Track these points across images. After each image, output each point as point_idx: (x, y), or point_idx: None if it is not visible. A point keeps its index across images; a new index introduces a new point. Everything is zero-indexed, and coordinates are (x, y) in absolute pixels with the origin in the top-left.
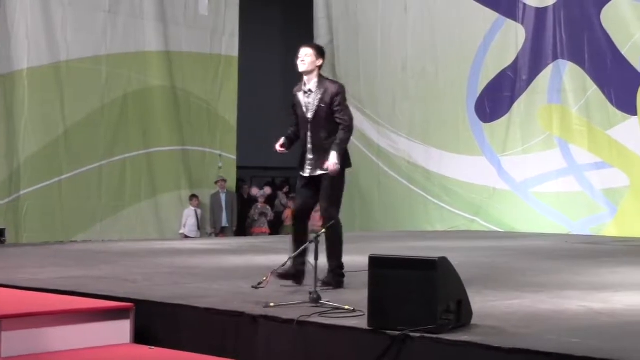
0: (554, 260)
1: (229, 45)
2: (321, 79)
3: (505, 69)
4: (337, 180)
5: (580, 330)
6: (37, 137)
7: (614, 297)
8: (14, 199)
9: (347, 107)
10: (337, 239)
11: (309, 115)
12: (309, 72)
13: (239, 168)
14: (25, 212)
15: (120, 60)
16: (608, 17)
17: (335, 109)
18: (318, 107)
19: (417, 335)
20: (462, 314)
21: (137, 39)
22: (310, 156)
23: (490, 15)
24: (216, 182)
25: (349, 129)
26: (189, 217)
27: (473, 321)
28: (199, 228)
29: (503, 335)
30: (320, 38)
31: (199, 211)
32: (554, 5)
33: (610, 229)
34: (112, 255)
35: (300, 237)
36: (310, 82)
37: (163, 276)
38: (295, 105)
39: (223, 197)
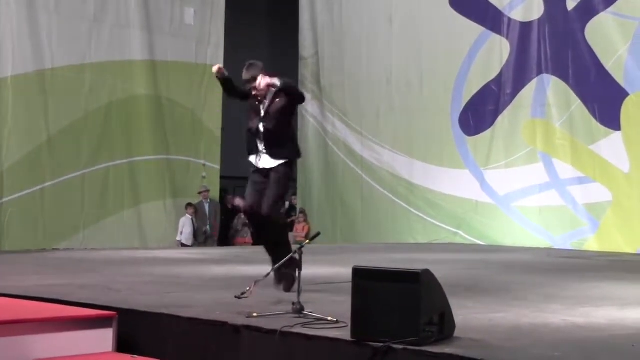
0: (536, 274)
1: (215, 55)
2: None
3: (490, 82)
4: (283, 176)
5: (562, 344)
6: (20, 145)
7: (596, 312)
8: None
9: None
10: (284, 238)
11: (262, 109)
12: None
13: (222, 178)
14: (7, 220)
15: (105, 69)
16: (592, 33)
17: (290, 95)
18: (267, 110)
19: (400, 347)
20: (444, 326)
21: (123, 48)
22: (260, 147)
23: (475, 28)
24: (199, 193)
25: (298, 91)
26: (185, 226)
27: (456, 334)
28: (194, 236)
29: (485, 348)
30: (306, 49)
31: (194, 219)
32: (539, 20)
33: (592, 244)
34: (95, 263)
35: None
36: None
37: (146, 285)
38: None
39: (206, 207)
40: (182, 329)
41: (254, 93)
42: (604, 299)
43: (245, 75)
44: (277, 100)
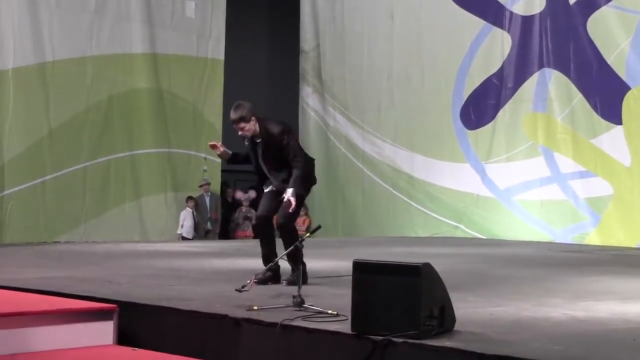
0: (537, 268)
1: (215, 48)
2: (261, 123)
3: (491, 76)
4: (298, 195)
5: (562, 337)
6: (21, 138)
7: (597, 306)
8: None
9: (294, 145)
10: (294, 237)
11: (261, 161)
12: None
13: (223, 171)
14: (8, 213)
15: (106, 62)
16: (594, 26)
17: (284, 150)
18: (264, 153)
19: (400, 340)
20: (445, 320)
21: (124, 41)
22: (274, 183)
23: (476, 22)
24: (200, 186)
25: (301, 165)
26: (185, 219)
27: (456, 327)
28: (195, 229)
29: (485, 342)
30: (307, 43)
31: (195, 213)
32: (540, 13)
33: (593, 238)
34: (95, 256)
35: (268, 240)
36: (247, 134)
37: (147, 278)
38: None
39: (207, 200)
40: (183, 322)
41: (240, 134)
42: (605, 293)
43: (233, 115)
44: (271, 150)
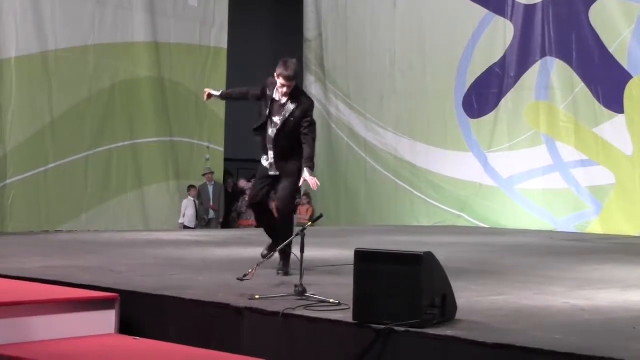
0: (539, 257)
1: (218, 37)
2: (296, 90)
3: (493, 65)
4: (296, 181)
5: (564, 326)
6: (24, 127)
7: (598, 295)
8: None
9: (314, 123)
10: (290, 230)
11: (277, 120)
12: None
13: (226, 160)
14: (11, 202)
15: (109, 51)
16: (596, 15)
17: (304, 124)
18: (287, 119)
19: (402, 329)
20: (446, 308)
21: (126, 30)
22: (272, 156)
23: (479, 11)
24: (204, 175)
25: (313, 142)
26: (187, 208)
27: (457, 316)
28: (197, 218)
29: (487, 331)
30: (309, 31)
31: (197, 201)
32: (543, 2)
33: (595, 227)
34: (97, 245)
35: (267, 223)
36: (287, 94)
37: (148, 267)
38: (264, 95)
39: (210, 189)
40: (185, 311)
41: (284, 91)
42: (606, 282)
43: (288, 71)
44: (292, 119)
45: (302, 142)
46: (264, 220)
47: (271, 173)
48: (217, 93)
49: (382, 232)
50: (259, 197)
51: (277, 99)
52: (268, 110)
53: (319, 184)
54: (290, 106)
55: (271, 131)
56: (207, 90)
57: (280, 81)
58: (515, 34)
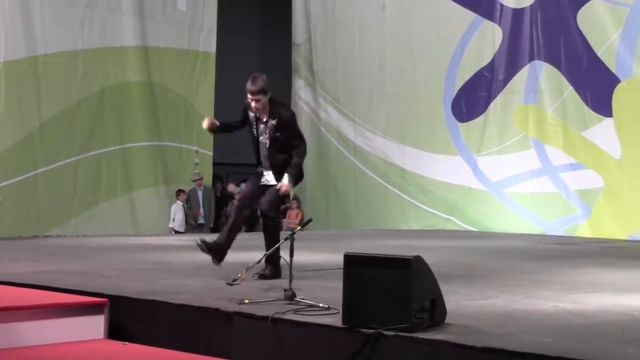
0: (528, 261)
1: (207, 41)
2: (272, 104)
3: (482, 69)
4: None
5: (553, 330)
6: (13, 131)
7: (587, 298)
8: None
9: (302, 136)
10: (277, 234)
11: (263, 140)
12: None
13: (215, 164)
14: None
15: (98, 55)
16: (584, 19)
17: (294, 142)
18: (274, 136)
19: (391, 333)
20: (436, 312)
21: (115, 34)
22: (265, 170)
23: (467, 15)
24: (194, 181)
25: (304, 154)
26: (177, 212)
27: (447, 320)
28: (186, 222)
29: (476, 335)
30: (298, 36)
31: (186, 206)
32: (531, 6)
33: (584, 230)
34: (86, 250)
35: (238, 223)
36: (264, 111)
37: (137, 272)
38: (247, 118)
39: (200, 194)
40: (174, 316)
41: (254, 105)
42: (595, 285)
43: (253, 86)
44: (278, 134)
45: (292, 155)
46: (238, 221)
47: (264, 182)
48: (217, 122)
49: (371, 236)
50: (250, 200)
51: (259, 116)
52: (255, 132)
53: (288, 192)
54: (272, 122)
55: (264, 150)
56: (212, 120)
57: (248, 96)
58: (504, 37)
